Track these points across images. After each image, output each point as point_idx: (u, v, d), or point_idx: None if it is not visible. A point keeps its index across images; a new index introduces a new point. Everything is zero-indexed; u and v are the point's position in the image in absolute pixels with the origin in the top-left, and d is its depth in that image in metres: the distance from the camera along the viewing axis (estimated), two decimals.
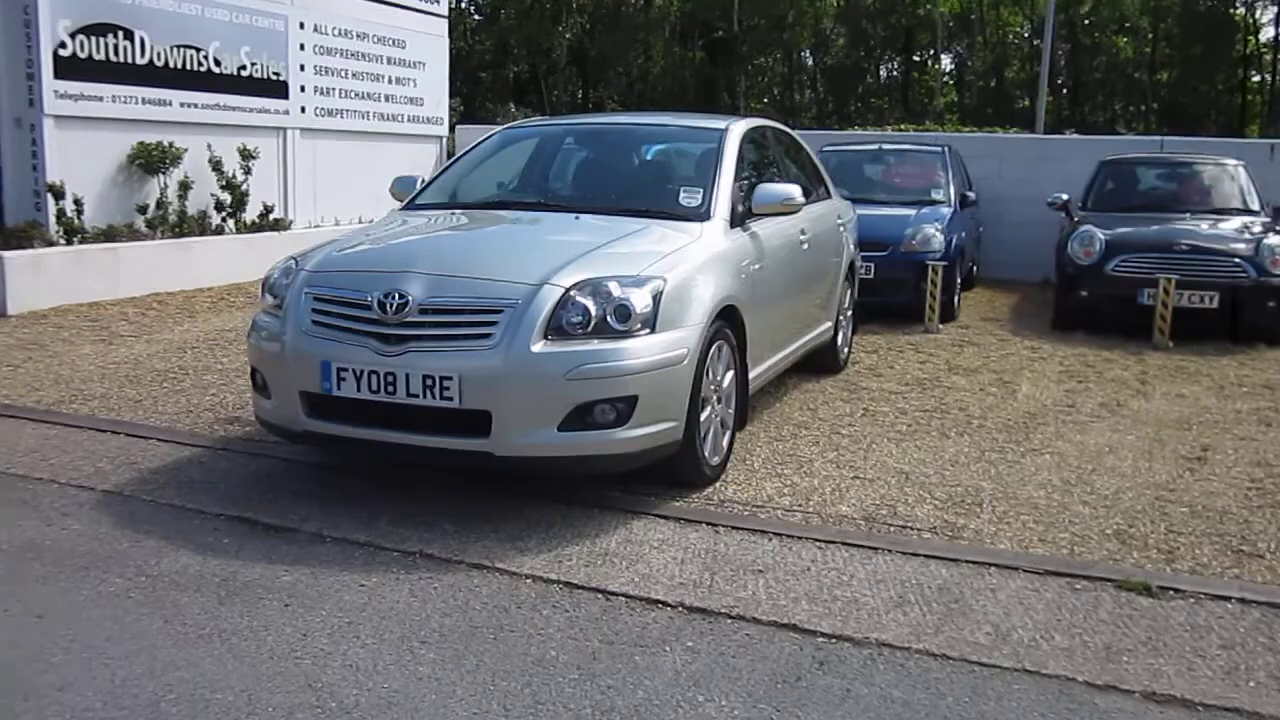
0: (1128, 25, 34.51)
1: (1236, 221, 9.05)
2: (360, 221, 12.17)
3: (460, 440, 3.91)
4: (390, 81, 13.36)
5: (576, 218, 4.82)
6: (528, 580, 3.56)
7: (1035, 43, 36.60)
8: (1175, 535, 4.11)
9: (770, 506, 4.32)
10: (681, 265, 4.28)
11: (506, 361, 3.81)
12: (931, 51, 38.10)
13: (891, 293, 8.77)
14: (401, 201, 5.56)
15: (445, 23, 14.43)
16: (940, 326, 8.79)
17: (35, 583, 3.47)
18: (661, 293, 4.05)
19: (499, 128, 6.14)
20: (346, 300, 4.09)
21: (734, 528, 4.05)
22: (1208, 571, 3.78)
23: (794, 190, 5.10)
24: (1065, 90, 35.79)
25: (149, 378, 6.30)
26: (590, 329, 3.90)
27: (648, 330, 3.97)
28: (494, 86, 33.04)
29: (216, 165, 10.50)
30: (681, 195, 4.95)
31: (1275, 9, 35.00)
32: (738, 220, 4.93)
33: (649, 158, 5.54)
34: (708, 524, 4.08)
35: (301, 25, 11.82)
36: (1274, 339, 8.31)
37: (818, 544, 3.92)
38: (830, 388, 6.49)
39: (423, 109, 14.03)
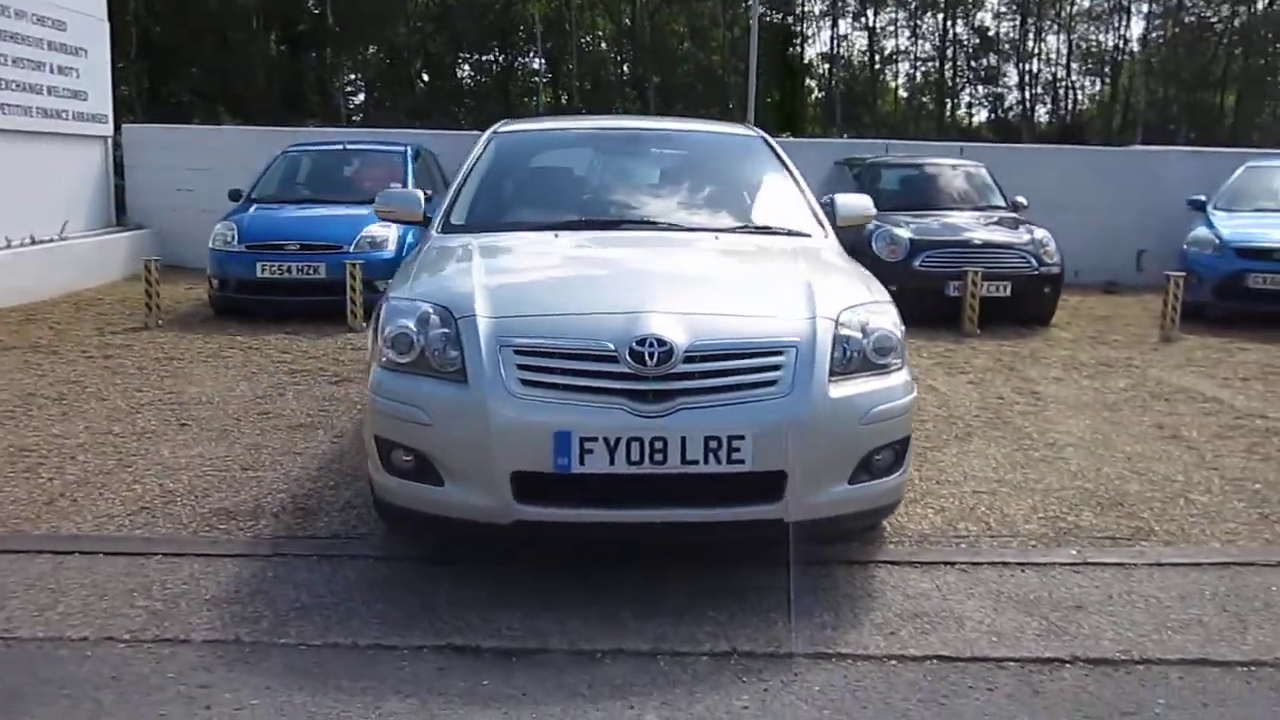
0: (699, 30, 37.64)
1: (995, 216, 10.19)
2: (34, 241, 9.98)
3: (747, 509, 3.30)
4: (51, 71, 10.99)
5: (716, 237, 4.26)
6: (891, 662, 3.10)
7: (624, 43, 38.89)
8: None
9: (960, 533, 4.15)
10: (874, 286, 3.94)
11: (804, 410, 3.27)
12: (530, 51, 38.77)
13: (339, 292, 8.64)
14: (390, 217, 4.68)
15: (104, 1, 12.15)
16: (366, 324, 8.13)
17: None
18: (895, 320, 3.69)
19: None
20: (574, 352, 3.27)
21: (987, 563, 3.83)
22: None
23: (870, 200, 4.89)
24: (648, 92, 38.15)
25: None
26: (856, 366, 3.47)
27: (900, 363, 3.60)
28: None
29: None
30: (784, 211, 4.55)
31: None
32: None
33: (707, 166, 5.01)
34: (949, 564, 3.82)
35: None
36: (1045, 320, 9.49)
37: (1073, 569, 3.82)
38: None
39: (86, 104, 11.71)
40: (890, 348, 3.53)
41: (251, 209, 9.57)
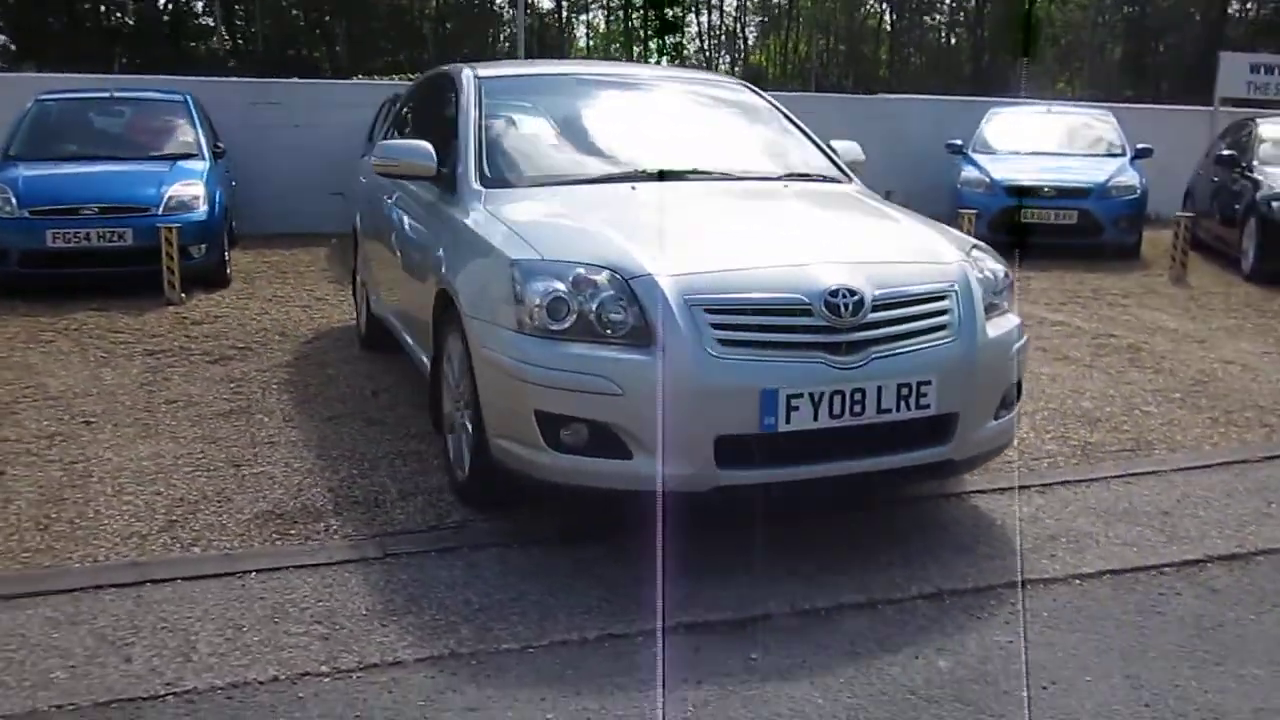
0: None
1: None
2: None
3: (925, 452, 3.33)
4: None
5: (786, 185, 4.20)
6: (1076, 581, 3.29)
7: None
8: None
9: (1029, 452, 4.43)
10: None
11: (973, 351, 3.35)
12: None
13: (151, 262, 7.57)
14: (392, 173, 4.31)
15: None
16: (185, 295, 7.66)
17: None
18: (999, 260, 3.83)
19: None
20: (769, 308, 3.13)
21: (1054, 483, 4.12)
22: None
23: (858, 146, 4.99)
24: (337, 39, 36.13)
25: None
26: (988, 306, 3.58)
27: (1009, 302, 3.76)
28: None
29: None
30: (815, 158, 4.56)
31: None
32: None
33: (719, 116, 4.84)
34: (1024, 487, 4.06)
35: None
36: None
37: (1124, 480, 4.20)
38: None
39: None
40: (1006, 287, 3.68)
41: (20, 168, 8.15)
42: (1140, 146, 11.45)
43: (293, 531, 3.55)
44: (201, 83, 11.69)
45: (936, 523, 3.75)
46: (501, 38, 41.15)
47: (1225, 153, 10.83)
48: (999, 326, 3.54)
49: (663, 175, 4.13)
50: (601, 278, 3.17)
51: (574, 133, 4.48)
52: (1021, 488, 4.07)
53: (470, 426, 3.54)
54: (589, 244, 3.37)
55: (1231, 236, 10.09)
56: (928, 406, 3.25)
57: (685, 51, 43.08)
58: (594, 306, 3.14)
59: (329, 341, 6.58)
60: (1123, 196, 10.64)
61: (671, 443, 3.07)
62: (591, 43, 44.26)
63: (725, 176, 4.29)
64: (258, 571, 3.22)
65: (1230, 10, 45.23)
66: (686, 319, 3.07)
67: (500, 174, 4.08)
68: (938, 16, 45.78)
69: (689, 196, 4.04)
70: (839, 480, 3.27)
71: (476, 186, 4.00)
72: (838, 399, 3.12)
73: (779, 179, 4.32)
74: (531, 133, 4.36)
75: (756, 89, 5.08)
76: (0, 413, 4.89)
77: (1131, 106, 16.78)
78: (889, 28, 46.70)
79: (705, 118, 4.79)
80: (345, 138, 11.63)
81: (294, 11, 36.29)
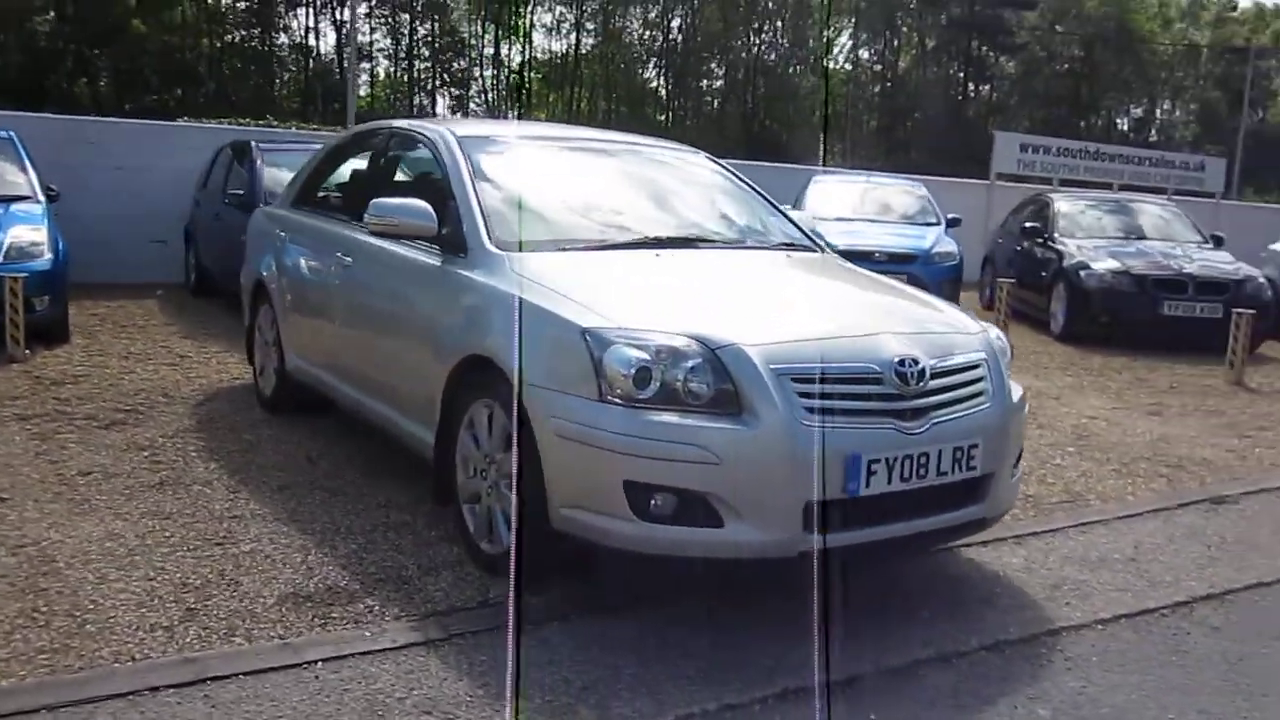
0: None
1: None
2: None
3: (966, 511, 3.54)
4: None
5: (789, 255, 4.36)
6: (1098, 626, 3.58)
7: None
8: None
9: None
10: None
11: (1004, 414, 3.61)
12: None
13: None
14: (391, 233, 4.16)
15: None
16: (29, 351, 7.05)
17: None
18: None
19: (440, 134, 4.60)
20: (847, 377, 3.26)
21: (1019, 535, 4.44)
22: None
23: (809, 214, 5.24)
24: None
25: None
26: None
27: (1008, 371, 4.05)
28: None
29: None
30: (787, 226, 4.75)
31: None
32: None
33: (694, 184, 4.92)
34: (999, 540, 4.34)
35: None
36: None
37: (1080, 529, 4.58)
38: None
39: None
40: (1009, 355, 3.98)
41: None
42: (950, 216, 12.48)
43: (334, 615, 3.31)
44: (6, 116, 10.68)
45: (943, 576, 3.97)
46: (284, 79, 39.83)
47: (1029, 224, 11.99)
48: (1016, 389, 3.83)
49: (673, 242, 4.20)
50: (686, 346, 3.19)
51: (569, 197, 4.46)
52: (998, 540, 4.36)
53: (520, 496, 3.43)
54: (658, 312, 3.39)
55: (1038, 300, 11.15)
56: (975, 468, 3.46)
57: (471, 105, 43.18)
58: (679, 376, 3.16)
59: (224, 404, 6.14)
60: (945, 262, 11.53)
61: (764, 510, 3.13)
62: (373, 90, 43.44)
63: (730, 245, 4.41)
64: (324, 661, 2.99)
65: (970, 91, 50.21)
66: (777, 388, 3.15)
67: (511, 237, 4.01)
68: (712, 82, 48.12)
69: (714, 265, 4.12)
70: (900, 540, 3.42)
71: (492, 249, 3.91)
72: (907, 463, 3.28)
73: (776, 248, 4.48)
74: (528, 196, 4.30)
75: (714, 158, 5.24)
76: None
77: (915, 178, 18.27)
78: (664, 93, 48.69)
79: (684, 185, 4.89)
80: (172, 184, 11.03)
81: (55, 43, 33.68)
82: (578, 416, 3.21)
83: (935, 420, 3.36)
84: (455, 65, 41.72)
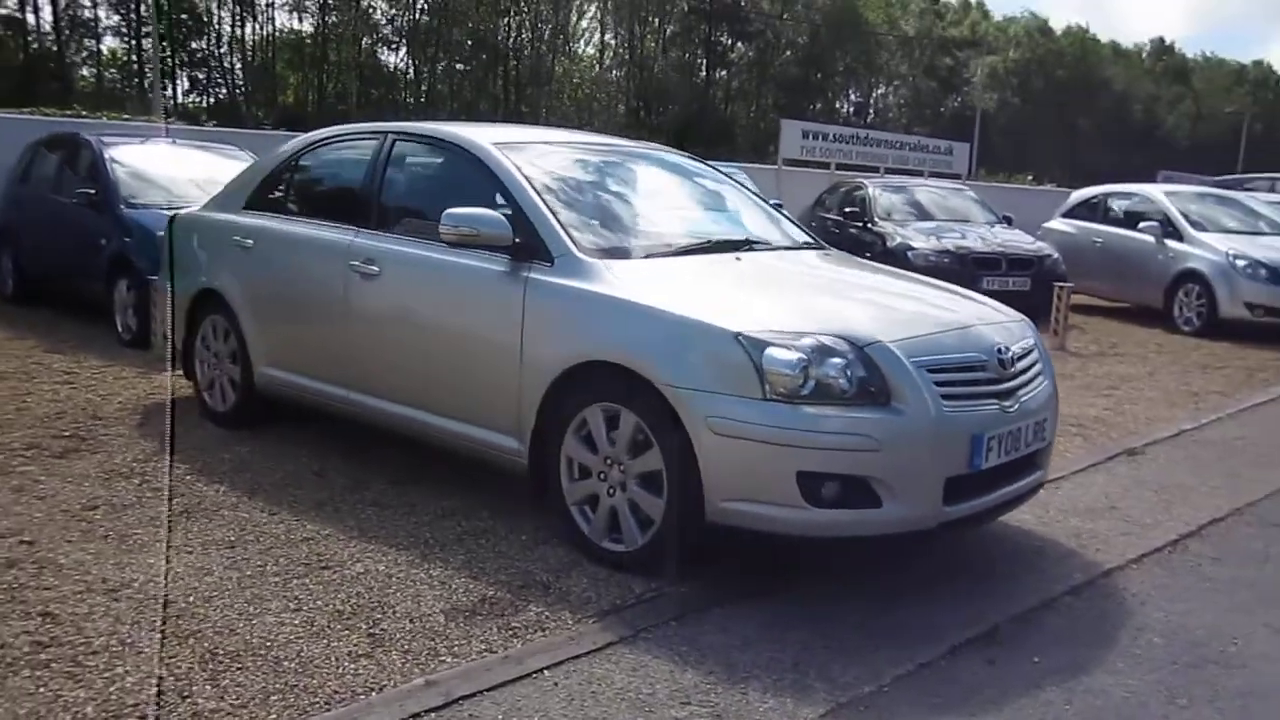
0: None
1: None
2: None
3: (1034, 476, 4.06)
4: None
5: (824, 253, 4.70)
6: (1144, 560, 4.21)
7: None
8: None
9: None
10: None
11: (1055, 390, 4.15)
12: None
13: None
14: (466, 243, 4.18)
15: None
16: None
17: None
18: None
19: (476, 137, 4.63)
20: (962, 365, 3.67)
21: None
22: None
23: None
24: None
25: None
26: None
27: None
28: None
29: None
30: (792, 227, 5.10)
31: None
32: None
33: (715, 187, 5.15)
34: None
35: None
36: None
37: (1064, 479, 5.25)
38: None
39: None
40: None
41: None
42: (774, 202, 13.27)
43: (515, 624, 3.38)
44: None
45: (988, 539, 4.45)
46: None
47: (849, 209, 12.98)
48: None
49: (732, 245, 4.47)
50: (836, 345, 3.50)
51: (616, 202, 4.62)
52: None
53: (668, 493, 3.61)
54: (789, 314, 3.68)
55: None
56: (1045, 438, 4.00)
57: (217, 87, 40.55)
58: (830, 372, 3.46)
59: (166, 422, 5.78)
60: None
61: (913, 489, 3.50)
62: (97, 70, 39.84)
63: (777, 246, 4.72)
64: (548, 669, 3.08)
65: (712, 76, 52.42)
66: (921, 379, 3.52)
67: (592, 244, 4.12)
68: (464, 64, 47.65)
69: (786, 266, 4.44)
70: (999, 507, 3.90)
71: (583, 257, 4.03)
72: (1010, 438, 3.76)
73: (808, 247, 4.84)
74: (585, 202, 4.43)
75: (698, 158, 5.52)
76: None
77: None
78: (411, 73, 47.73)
79: (704, 187, 5.15)
80: None
81: None
82: (742, 415, 3.44)
83: (1020, 399, 3.85)
84: (192, 45, 38.94)
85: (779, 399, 3.43)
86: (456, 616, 3.43)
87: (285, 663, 3.08)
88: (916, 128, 54.84)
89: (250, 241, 5.43)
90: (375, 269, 4.69)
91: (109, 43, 38.80)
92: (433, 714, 2.82)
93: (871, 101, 66.46)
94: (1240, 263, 10.80)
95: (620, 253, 4.13)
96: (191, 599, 3.49)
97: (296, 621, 3.35)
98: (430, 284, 4.52)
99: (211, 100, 40.94)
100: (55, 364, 7.21)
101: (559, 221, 4.15)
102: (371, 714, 2.80)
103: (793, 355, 3.44)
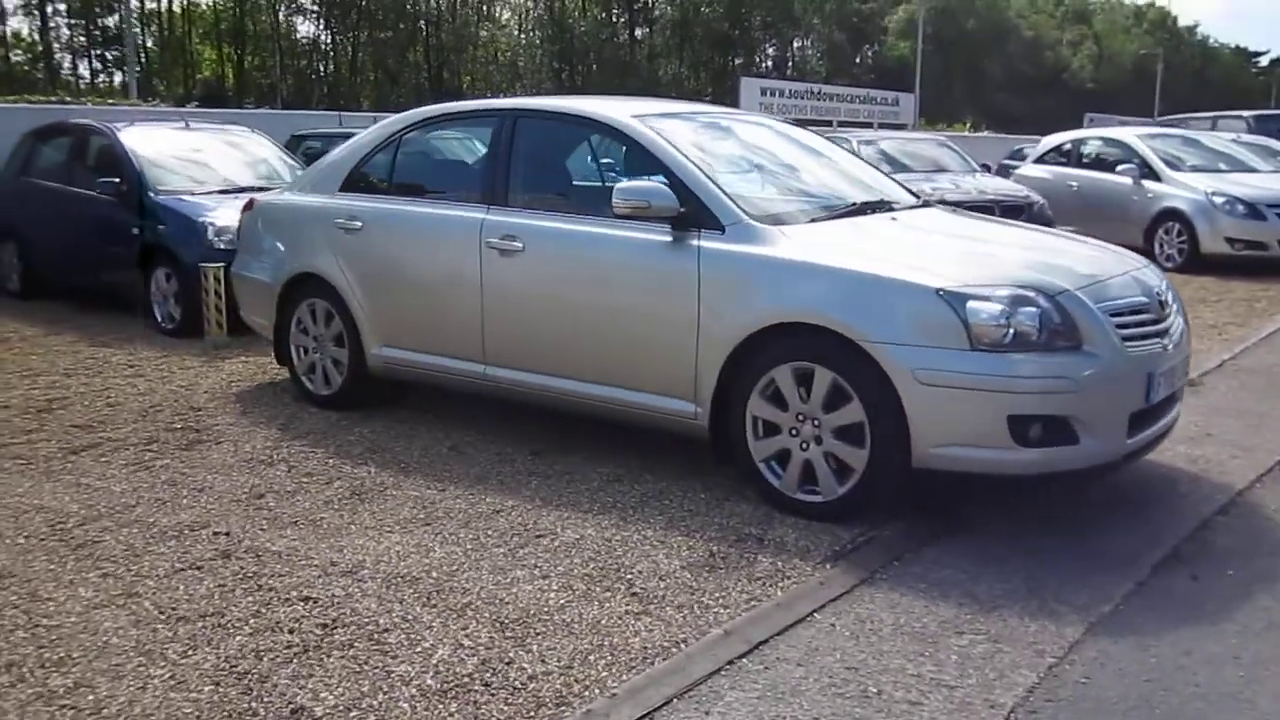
0: None
1: None
2: None
3: (1175, 412, 4.39)
4: None
5: (952, 210, 4.93)
6: (1255, 488, 4.57)
7: None
8: None
9: None
10: None
11: (1187, 326, 4.47)
12: None
13: None
14: (639, 215, 4.31)
15: None
16: None
17: None
18: None
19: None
20: (1133, 309, 3.96)
21: None
22: None
23: None
24: None
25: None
26: None
27: None
28: None
29: None
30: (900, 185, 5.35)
31: None
32: None
33: (825, 149, 5.35)
34: None
35: None
36: None
37: None
38: None
39: None
40: None
41: None
42: None
43: (758, 574, 3.58)
44: None
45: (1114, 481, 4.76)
46: None
47: None
48: None
49: (875, 206, 4.69)
50: (1032, 295, 3.74)
51: (766, 169, 4.80)
52: None
53: (870, 443, 3.83)
54: (975, 268, 3.94)
55: None
56: (1187, 373, 4.31)
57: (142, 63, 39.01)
58: (1027, 320, 3.70)
59: (267, 408, 5.82)
60: None
61: (1104, 424, 3.80)
62: (4, 52, 38.08)
63: (905, 205, 4.94)
64: (817, 610, 3.30)
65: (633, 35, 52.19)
66: (1107, 324, 3.79)
67: (756, 211, 4.29)
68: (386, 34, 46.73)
69: (937, 223, 4.67)
70: (1157, 439, 4.21)
71: (755, 224, 4.20)
72: (1169, 375, 4.07)
73: (932, 204, 5.08)
74: (743, 171, 4.60)
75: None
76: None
77: None
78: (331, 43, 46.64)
79: (819, 150, 5.35)
80: None
81: None
82: (951, 365, 3.68)
83: (1173, 339, 4.15)
84: (103, 22, 37.41)
85: (985, 349, 3.66)
86: (699, 572, 3.62)
87: (575, 625, 3.23)
88: (835, 79, 55.42)
89: (358, 224, 5.46)
90: (518, 244, 4.78)
91: (14, 24, 37.12)
92: (744, 659, 3.01)
93: (789, 55, 66.92)
94: (1219, 200, 11.38)
95: (787, 218, 4.32)
96: (435, 575, 3.61)
97: (555, 587, 3.50)
98: (585, 257, 4.64)
99: (125, 79, 39.48)
100: (112, 358, 7.15)
101: (723, 192, 4.31)
102: (693, 664, 2.99)
103: (995, 307, 3.68)
